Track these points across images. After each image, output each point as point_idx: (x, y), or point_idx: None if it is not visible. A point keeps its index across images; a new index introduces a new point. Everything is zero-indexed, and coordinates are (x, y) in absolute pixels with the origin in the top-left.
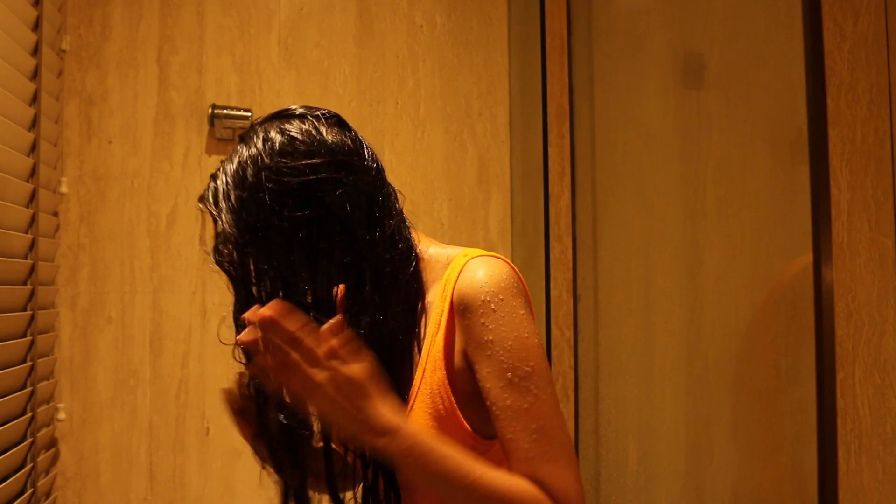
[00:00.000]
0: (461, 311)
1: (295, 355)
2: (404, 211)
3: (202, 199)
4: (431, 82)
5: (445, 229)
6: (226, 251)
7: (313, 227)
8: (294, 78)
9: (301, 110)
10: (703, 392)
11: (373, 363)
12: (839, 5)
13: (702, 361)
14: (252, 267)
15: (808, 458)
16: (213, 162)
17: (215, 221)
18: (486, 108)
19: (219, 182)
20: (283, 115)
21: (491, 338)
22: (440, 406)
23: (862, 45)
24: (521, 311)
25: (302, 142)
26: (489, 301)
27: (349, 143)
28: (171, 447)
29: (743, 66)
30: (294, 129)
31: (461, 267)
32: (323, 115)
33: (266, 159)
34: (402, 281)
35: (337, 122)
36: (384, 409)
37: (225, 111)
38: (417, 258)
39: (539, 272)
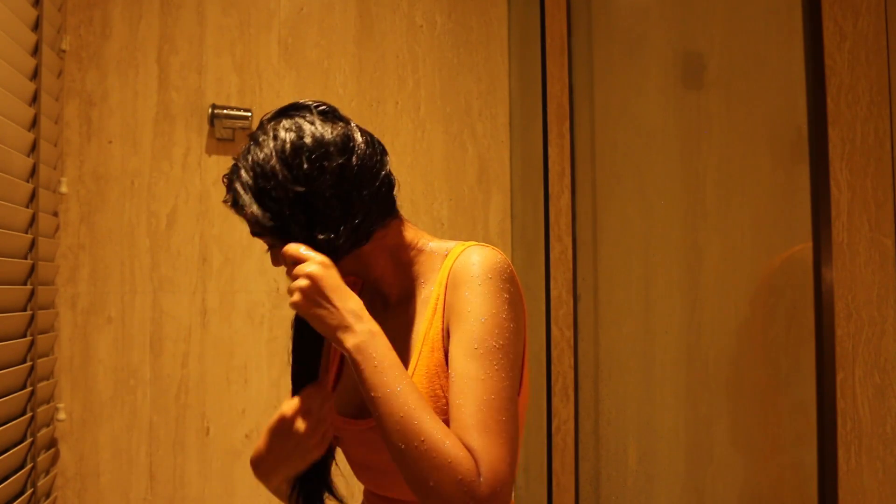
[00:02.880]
0: (452, 287)
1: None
2: (403, 210)
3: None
4: (431, 82)
5: (445, 229)
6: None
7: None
8: (294, 78)
9: (306, 103)
10: (703, 392)
11: (326, 263)
12: (839, 5)
13: (702, 361)
14: (277, 228)
15: (808, 458)
16: (213, 162)
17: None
18: (486, 108)
19: (242, 179)
20: (291, 111)
21: (469, 309)
22: (437, 386)
23: (862, 45)
24: (506, 295)
25: (311, 136)
26: (476, 277)
27: (346, 135)
28: (171, 447)
29: (743, 66)
30: (304, 125)
31: (458, 254)
32: (318, 108)
33: (280, 154)
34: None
35: (334, 114)
36: (349, 304)
37: (225, 111)
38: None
39: (539, 272)
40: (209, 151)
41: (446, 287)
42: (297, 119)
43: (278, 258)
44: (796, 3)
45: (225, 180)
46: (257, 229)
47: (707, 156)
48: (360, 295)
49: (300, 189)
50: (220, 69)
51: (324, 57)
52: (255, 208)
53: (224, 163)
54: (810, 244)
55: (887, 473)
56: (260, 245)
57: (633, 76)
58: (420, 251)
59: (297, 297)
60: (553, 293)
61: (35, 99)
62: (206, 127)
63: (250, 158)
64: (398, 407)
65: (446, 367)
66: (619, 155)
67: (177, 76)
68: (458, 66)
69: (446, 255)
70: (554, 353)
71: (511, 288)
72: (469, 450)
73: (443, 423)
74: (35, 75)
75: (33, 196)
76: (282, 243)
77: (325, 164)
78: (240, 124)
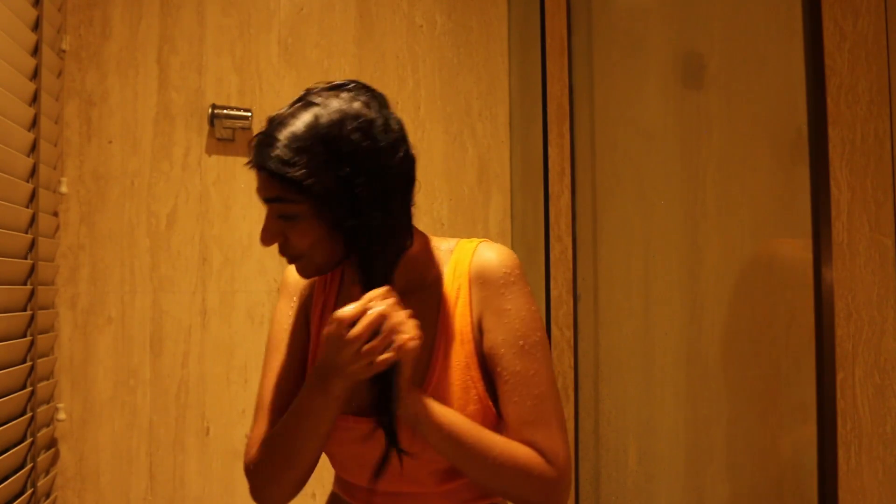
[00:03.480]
0: (480, 283)
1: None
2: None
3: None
4: (431, 82)
5: (445, 229)
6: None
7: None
8: (294, 78)
9: (366, 84)
10: (703, 392)
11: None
12: (839, 5)
13: (702, 361)
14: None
15: (808, 458)
16: (214, 162)
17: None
18: (486, 108)
19: (299, 138)
20: (339, 88)
21: (509, 307)
22: (468, 378)
23: (862, 45)
24: (528, 289)
25: (359, 114)
26: (508, 274)
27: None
28: (171, 447)
29: (743, 66)
30: (358, 102)
31: (473, 249)
32: (377, 93)
33: (334, 123)
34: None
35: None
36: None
37: (225, 111)
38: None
39: (539, 272)
40: (209, 151)
41: (470, 283)
42: (362, 97)
43: (278, 234)
44: (796, 3)
45: (258, 139)
46: (290, 194)
47: (707, 156)
48: (340, 283)
49: (357, 166)
50: (220, 69)
51: (324, 57)
52: (302, 171)
53: (224, 163)
54: (798, 241)
55: (887, 473)
56: (260, 245)
57: (633, 76)
58: (423, 246)
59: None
60: (553, 293)
61: (35, 99)
62: (206, 127)
63: (309, 119)
64: (466, 436)
65: (476, 359)
66: (619, 155)
67: (177, 76)
68: (458, 66)
69: (451, 251)
70: (554, 353)
71: (527, 282)
72: (532, 443)
73: (503, 438)
74: (35, 75)
75: (33, 196)
76: (303, 219)
77: (393, 151)
78: (240, 124)
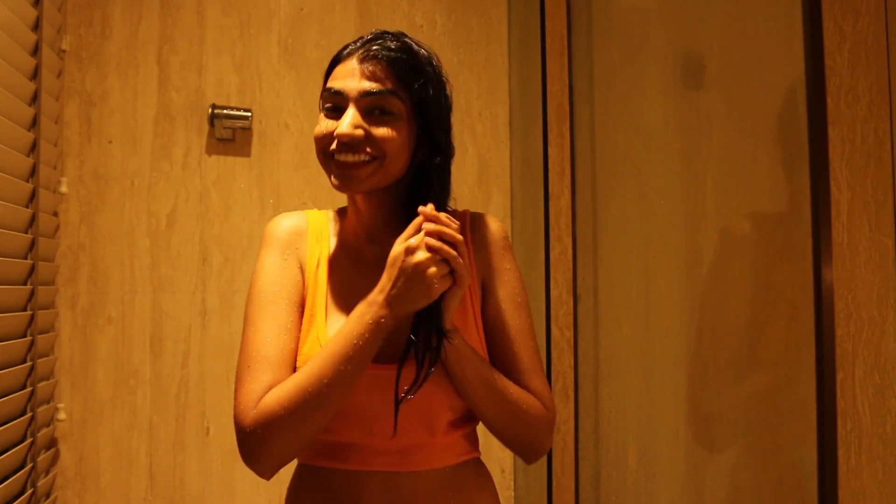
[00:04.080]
0: (481, 245)
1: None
2: None
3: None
4: None
5: None
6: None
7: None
8: (294, 78)
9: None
10: (703, 392)
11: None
12: (839, 5)
13: (702, 361)
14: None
15: (808, 458)
16: (213, 162)
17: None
18: (486, 108)
19: (417, 52)
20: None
21: (508, 266)
22: (473, 327)
23: (862, 45)
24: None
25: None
26: (505, 238)
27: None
28: (171, 447)
29: (743, 66)
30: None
31: (469, 216)
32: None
33: (427, 54)
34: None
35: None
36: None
37: (225, 111)
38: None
39: (539, 272)
40: (209, 151)
41: (471, 247)
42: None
43: (362, 130)
44: (796, 3)
45: (372, 37)
46: (400, 90)
47: (707, 156)
48: (330, 239)
49: (439, 92)
50: (220, 69)
51: (324, 57)
52: (415, 73)
53: (224, 163)
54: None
55: (887, 473)
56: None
57: (633, 76)
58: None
59: (426, 257)
60: (553, 293)
61: (35, 99)
62: (206, 127)
63: (411, 43)
64: (489, 374)
65: (479, 313)
66: (619, 155)
67: (177, 76)
68: (458, 66)
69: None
70: (554, 353)
71: None
72: (529, 389)
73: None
74: (35, 75)
75: (33, 196)
76: (398, 119)
77: (448, 95)
78: (240, 124)
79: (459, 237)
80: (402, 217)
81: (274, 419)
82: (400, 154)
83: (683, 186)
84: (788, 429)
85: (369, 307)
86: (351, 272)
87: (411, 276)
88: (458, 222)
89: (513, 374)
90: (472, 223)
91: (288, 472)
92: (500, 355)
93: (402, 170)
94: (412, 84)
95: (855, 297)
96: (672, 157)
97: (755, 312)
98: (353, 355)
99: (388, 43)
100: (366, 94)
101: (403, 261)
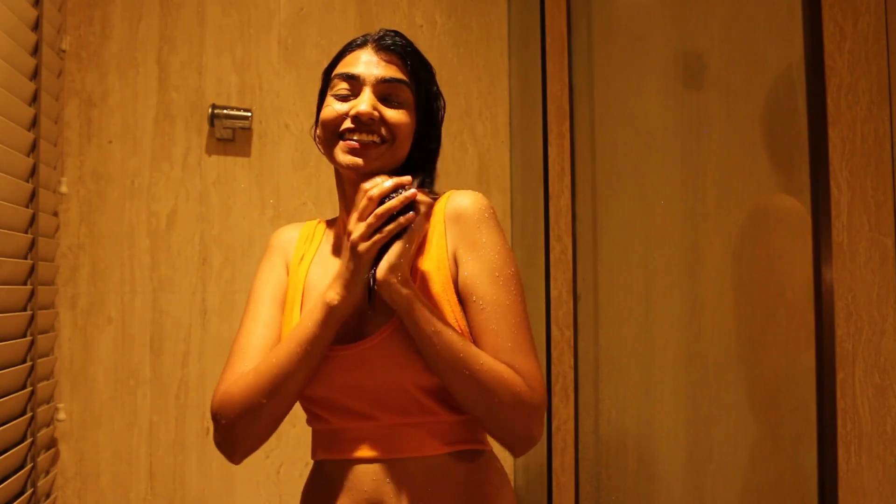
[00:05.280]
0: (454, 218)
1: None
2: None
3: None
4: None
5: None
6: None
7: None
8: (294, 78)
9: None
10: (703, 392)
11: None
12: (839, 5)
13: (702, 361)
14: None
15: (808, 458)
16: (213, 162)
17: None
18: (486, 108)
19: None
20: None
21: (484, 239)
22: (444, 300)
23: (862, 45)
24: (501, 228)
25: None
26: (482, 211)
27: None
28: (171, 447)
29: (743, 66)
30: None
31: (447, 196)
32: None
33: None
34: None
35: None
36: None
37: (225, 111)
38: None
39: (539, 272)
40: (209, 151)
41: (445, 222)
42: None
43: (377, 112)
44: (796, 3)
45: (383, 32)
46: (411, 81)
47: (707, 156)
48: (320, 243)
49: (436, 90)
50: (220, 69)
51: (324, 57)
52: (423, 67)
53: (224, 163)
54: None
55: (887, 473)
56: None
57: (633, 76)
58: None
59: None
60: (553, 293)
61: (35, 99)
62: (206, 127)
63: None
64: (455, 340)
65: (452, 286)
66: (619, 155)
67: (177, 76)
68: (458, 66)
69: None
70: (554, 353)
71: (499, 222)
72: (514, 367)
73: (487, 355)
74: (35, 75)
75: (33, 196)
76: (408, 108)
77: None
78: (240, 124)
79: (391, 186)
80: None
81: (232, 403)
82: (406, 140)
83: (683, 186)
84: (788, 429)
85: (323, 291)
86: (333, 266)
87: (352, 253)
88: (408, 181)
89: (495, 351)
90: (450, 200)
91: (290, 471)
92: (477, 330)
93: (405, 156)
94: (420, 77)
95: (855, 297)
96: (672, 156)
97: (755, 312)
98: (305, 336)
99: (398, 39)
100: (383, 81)
101: (350, 240)
